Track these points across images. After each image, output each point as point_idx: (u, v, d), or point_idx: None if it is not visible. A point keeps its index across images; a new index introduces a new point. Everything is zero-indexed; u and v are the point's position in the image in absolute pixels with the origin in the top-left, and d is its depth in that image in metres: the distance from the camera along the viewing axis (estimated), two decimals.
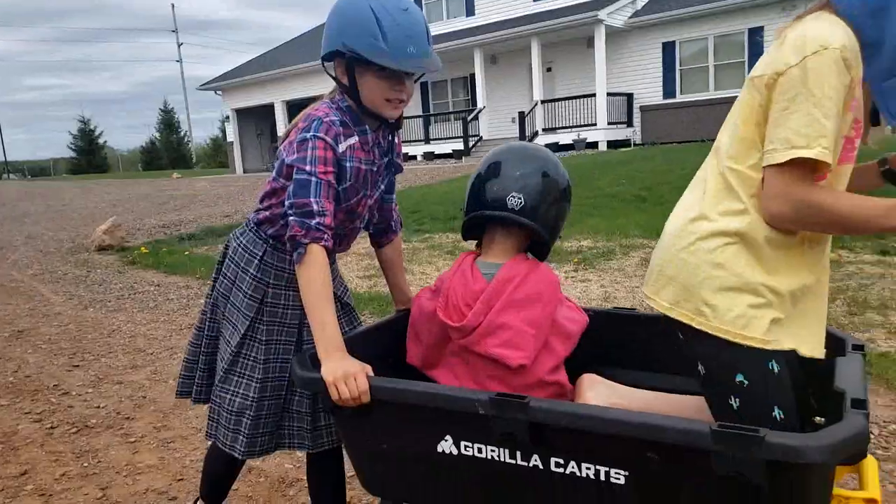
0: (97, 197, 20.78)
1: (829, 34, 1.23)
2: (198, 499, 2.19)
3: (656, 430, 1.16)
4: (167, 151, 54.33)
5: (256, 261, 1.81)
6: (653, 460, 1.20)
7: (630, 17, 19.01)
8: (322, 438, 1.87)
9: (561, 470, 1.29)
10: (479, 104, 21.19)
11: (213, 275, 1.94)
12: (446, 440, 1.41)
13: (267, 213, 1.80)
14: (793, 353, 1.36)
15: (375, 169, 1.77)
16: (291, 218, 1.55)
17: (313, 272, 1.53)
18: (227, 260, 1.89)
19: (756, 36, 17.43)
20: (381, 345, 1.86)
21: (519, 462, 1.33)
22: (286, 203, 1.59)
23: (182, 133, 56.36)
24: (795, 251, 1.36)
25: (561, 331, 1.71)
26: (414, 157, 22.26)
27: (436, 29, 23.23)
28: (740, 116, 1.37)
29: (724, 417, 1.38)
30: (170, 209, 15.07)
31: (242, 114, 28.89)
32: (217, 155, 49.60)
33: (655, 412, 1.29)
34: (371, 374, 1.47)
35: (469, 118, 20.84)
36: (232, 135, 29.36)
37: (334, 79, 1.70)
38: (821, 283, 1.42)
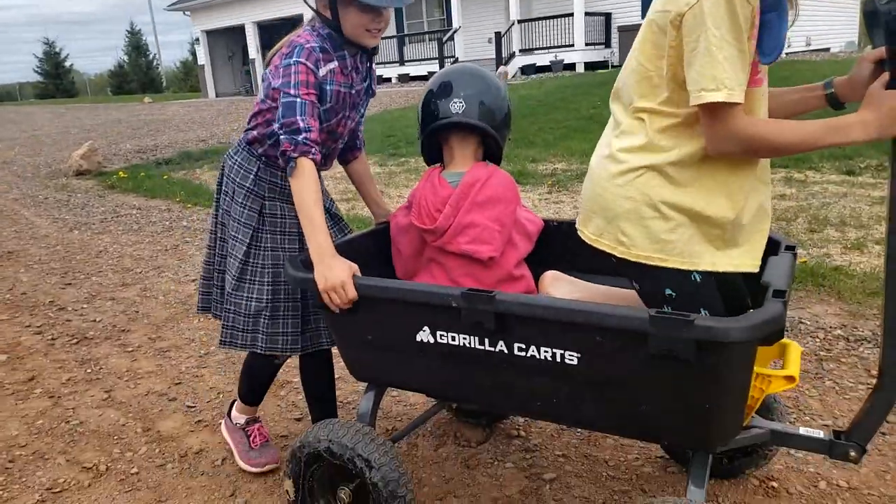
0: (69, 122, 20.34)
1: None
2: (233, 401, 2.41)
3: (603, 317, 1.36)
4: (136, 75, 52.58)
5: (252, 176, 1.96)
6: (600, 343, 1.40)
7: None
8: (321, 338, 2.08)
9: (523, 353, 1.50)
10: (455, 24, 20.73)
11: (215, 195, 2.10)
12: (424, 331, 1.61)
13: (255, 132, 1.95)
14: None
15: (354, 92, 1.92)
16: (282, 136, 1.71)
17: (304, 182, 1.69)
18: (224, 178, 2.04)
19: None
20: (365, 252, 2.03)
21: (487, 348, 1.54)
22: (276, 125, 1.74)
23: (151, 56, 54.44)
24: (706, 177, 1.45)
25: (522, 229, 1.93)
26: (389, 80, 21.87)
27: None
28: (643, 54, 1.44)
29: None
30: (144, 134, 14.86)
31: (213, 35, 27.93)
32: (188, 79, 48.18)
33: (613, 303, 1.48)
34: (358, 273, 1.66)
35: (444, 39, 20.42)
36: (203, 57, 28.48)
37: (315, 11, 1.84)
38: (750, 202, 1.49)
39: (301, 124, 1.69)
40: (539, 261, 2.05)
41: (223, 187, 2.04)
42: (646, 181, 1.46)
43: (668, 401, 1.39)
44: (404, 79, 21.63)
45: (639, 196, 1.47)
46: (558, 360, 1.46)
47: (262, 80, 1.89)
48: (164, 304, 4.14)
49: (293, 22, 24.45)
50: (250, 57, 26.12)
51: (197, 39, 28.55)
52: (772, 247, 1.69)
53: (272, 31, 25.71)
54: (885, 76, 1.31)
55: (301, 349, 2.04)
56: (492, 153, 1.99)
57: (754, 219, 1.51)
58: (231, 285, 2.01)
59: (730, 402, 1.38)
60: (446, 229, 1.82)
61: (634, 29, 18.72)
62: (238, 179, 1.98)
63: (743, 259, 1.49)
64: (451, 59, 20.63)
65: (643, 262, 1.49)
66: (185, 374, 3.14)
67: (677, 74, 1.39)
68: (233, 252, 2.01)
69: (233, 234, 2.00)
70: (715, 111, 1.33)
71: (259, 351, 2.00)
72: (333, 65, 1.82)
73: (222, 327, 2.05)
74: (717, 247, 1.48)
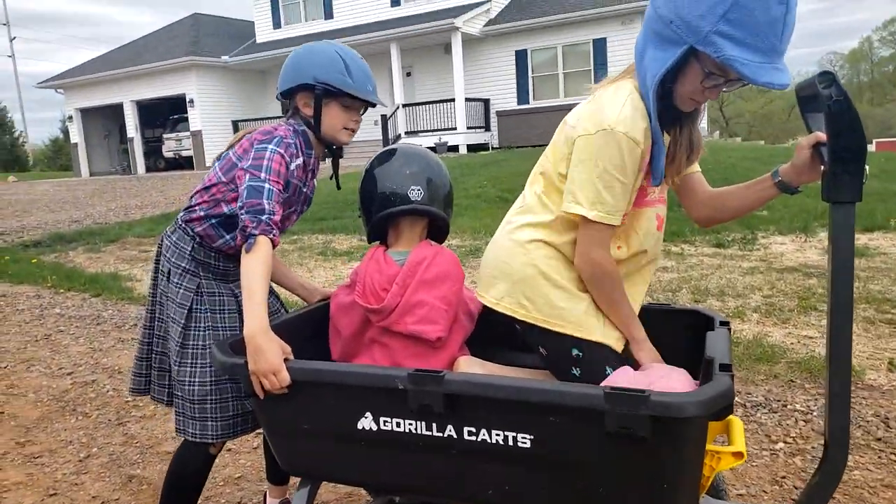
0: None
1: (619, 116, 1.45)
2: None
3: (558, 396, 1.32)
4: None
5: (187, 255, 1.93)
6: (554, 423, 1.34)
7: (485, 26, 19.73)
8: None
9: (473, 437, 1.42)
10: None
11: (152, 274, 2.05)
12: (366, 417, 1.50)
13: (197, 212, 1.92)
14: None
15: (306, 190, 1.98)
16: (244, 215, 1.70)
17: (259, 259, 1.66)
18: (161, 258, 1.99)
19: (600, 46, 18.70)
20: (303, 333, 1.93)
21: (434, 433, 1.44)
22: (237, 204, 1.74)
23: (17, 133, 51.19)
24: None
25: (466, 308, 1.91)
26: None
27: (294, 31, 22.86)
28: (553, 152, 1.62)
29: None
30: (8, 215, 13.73)
31: (88, 113, 26.66)
32: (58, 157, 45.63)
33: None
34: (290, 355, 1.58)
35: None
36: (76, 135, 27.05)
37: (293, 109, 1.94)
38: (633, 278, 1.70)
39: (266, 206, 1.72)
40: (477, 342, 2.00)
41: (160, 266, 2.01)
42: (546, 253, 1.62)
43: (625, 482, 1.35)
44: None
45: (539, 264, 1.61)
46: (510, 443, 1.39)
47: (219, 160, 1.93)
48: (33, 402, 3.70)
49: (174, 101, 24.17)
50: (129, 136, 25.14)
51: (70, 117, 27.12)
52: (706, 322, 1.74)
53: (152, 111, 25.04)
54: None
55: (253, 427, 1.96)
56: (437, 232, 2.00)
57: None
58: (175, 372, 1.93)
59: (686, 481, 1.36)
60: (393, 308, 1.76)
61: (511, 114, 19.87)
62: (174, 259, 1.95)
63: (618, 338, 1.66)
64: None
65: (541, 325, 1.61)
66: (61, 483, 2.77)
67: None
68: (172, 335, 1.94)
69: (171, 315, 1.94)
70: (593, 230, 1.53)
71: (210, 440, 1.88)
72: (300, 161, 1.89)
73: (175, 414, 1.95)
74: (604, 323, 1.63)
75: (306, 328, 1.98)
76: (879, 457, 2.67)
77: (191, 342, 1.91)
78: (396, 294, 1.77)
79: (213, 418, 1.89)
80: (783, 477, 2.57)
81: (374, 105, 1.94)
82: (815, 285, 5.11)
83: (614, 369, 1.58)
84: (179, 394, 1.92)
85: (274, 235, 1.72)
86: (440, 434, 1.44)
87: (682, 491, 1.36)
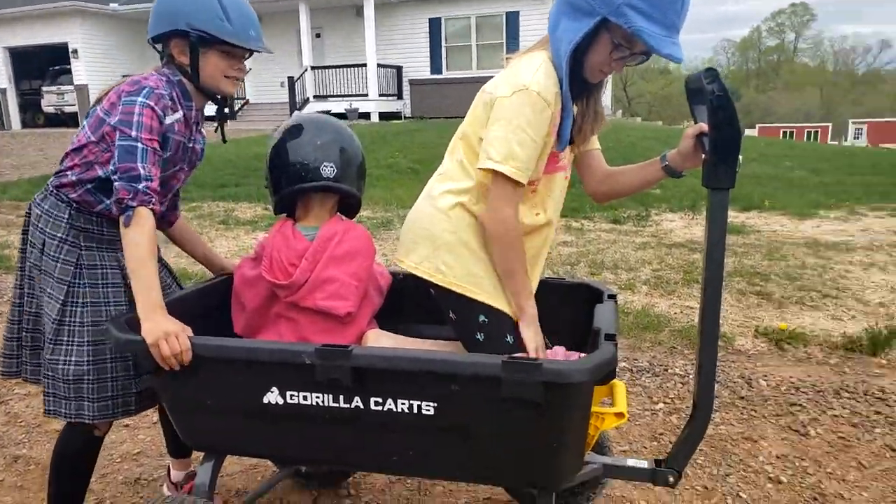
0: None
1: (533, 78, 1.54)
2: None
3: (459, 366, 1.42)
4: None
5: (64, 224, 1.77)
6: (456, 391, 1.44)
7: None
8: None
9: (380, 408, 1.49)
10: (245, 66, 20.29)
11: (21, 245, 1.86)
12: (272, 391, 1.53)
13: (70, 176, 1.76)
14: None
15: (191, 145, 1.85)
16: (118, 182, 1.58)
17: (140, 234, 1.58)
18: (31, 228, 1.81)
19: (513, 19, 18.87)
20: (202, 308, 1.90)
21: (342, 405, 1.51)
22: (110, 167, 1.61)
23: None
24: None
25: (375, 284, 1.94)
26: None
27: None
28: (472, 118, 1.67)
29: (473, 348, 1.72)
30: None
31: None
32: None
33: None
34: (191, 334, 1.55)
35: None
36: None
37: (167, 57, 1.78)
38: (539, 250, 1.79)
39: (141, 171, 1.60)
40: (386, 315, 2.05)
41: (30, 238, 1.82)
42: (468, 221, 1.68)
43: (521, 443, 1.47)
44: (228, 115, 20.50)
45: (458, 230, 1.68)
46: (415, 411, 1.48)
47: (88, 116, 1.76)
48: None
49: (54, 50, 22.19)
50: (1, 86, 23.06)
51: None
52: (596, 295, 1.88)
53: (28, 60, 22.92)
54: None
55: (137, 410, 1.84)
56: (348, 206, 1.99)
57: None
58: (47, 349, 1.78)
59: (574, 440, 1.50)
60: (302, 284, 1.77)
61: (424, 83, 19.75)
62: (48, 229, 1.77)
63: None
64: (241, 101, 20.08)
65: (456, 290, 1.68)
66: None
67: None
68: (47, 311, 1.79)
69: (47, 290, 1.78)
70: (505, 187, 1.58)
71: (87, 420, 1.77)
72: (179, 115, 1.76)
73: (44, 394, 1.81)
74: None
75: (205, 304, 1.94)
76: (742, 413, 2.98)
77: (68, 318, 1.77)
78: (306, 270, 1.77)
79: (89, 399, 1.76)
80: (661, 434, 2.82)
81: (258, 51, 1.81)
82: (698, 260, 5.49)
83: (514, 338, 1.68)
84: (51, 373, 1.78)
85: (153, 204, 1.61)
86: (347, 406, 1.50)
87: (569, 449, 1.50)
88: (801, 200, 8.31)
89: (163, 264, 1.99)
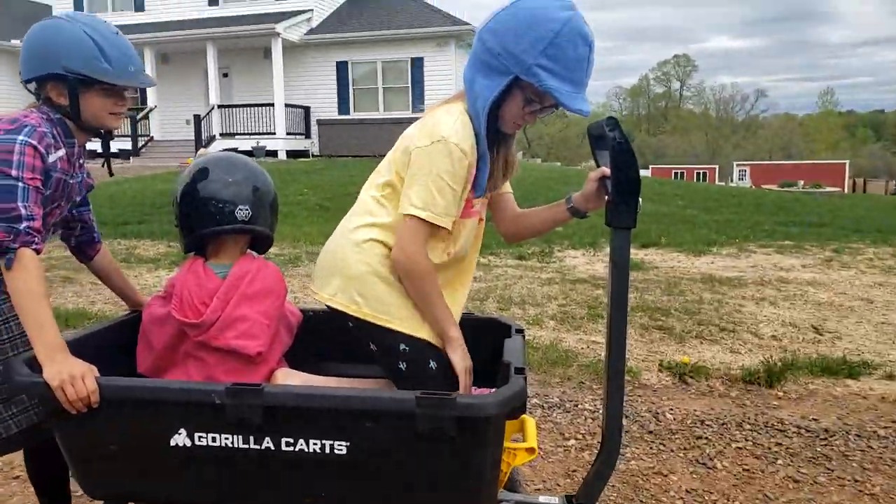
0: None
1: (452, 130, 1.61)
2: None
3: (373, 402, 1.42)
4: None
5: None
6: (370, 428, 1.43)
7: (306, 34, 19.57)
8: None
9: (291, 448, 1.46)
10: (150, 103, 19.74)
11: None
12: (180, 433, 1.48)
13: None
14: None
15: (71, 181, 1.80)
16: None
17: (26, 276, 1.51)
18: None
19: (418, 64, 19.32)
20: (108, 346, 1.83)
21: (252, 446, 1.47)
22: None
23: None
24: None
25: (286, 322, 1.92)
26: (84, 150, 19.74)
27: None
28: (394, 159, 1.72)
29: (396, 379, 1.73)
30: None
31: None
32: None
33: None
34: (97, 374, 1.49)
35: (138, 117, 19.28)
36: None
37: (44, 98, 1.72)
38: (452, 282, 1.82)
39: (23, 211, 1.54)
40: (303, 355, 2.02)
41: None
42: (381, 252, 1.70)
43: (435, 479, 1.47)
44: (91, 155, 19.58)
45: (373, 262, 1.69)
46: (327, 451, 1.45)
47: None
48: None
49: None
50: None
51: None
52: (504, 330, 1.92)
53: None
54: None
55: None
56: (259, 242, 1.97)
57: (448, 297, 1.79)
58: None
59: (488, 475, 1.51)
60: (213, 323, 1.73)
61: (332, 123, 19.84)
62: None
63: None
64: (146, 138, 19.48)
65: (372, 320, 1.69)
66: None
67: None
68: None
69: None
70: (416, 227, 1.62)
71: None
72: (62, 153, 1.71)
73: None
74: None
75: (113, 341, 1.88)
76: (651, 447, 3.06)
77: None
78: (217, 308, 1.74)
79: None
80: (574, 470, 2.86)
81: (140, 86, 1.77)
82: (601, 295, 5.70)
83: (438, 364, 1.70)
84: None
85: (37, 245, 1.56)
86: (257, 447, 1.46)
87: (484, 485, 1.50)
88: (694, 237, 8.83)
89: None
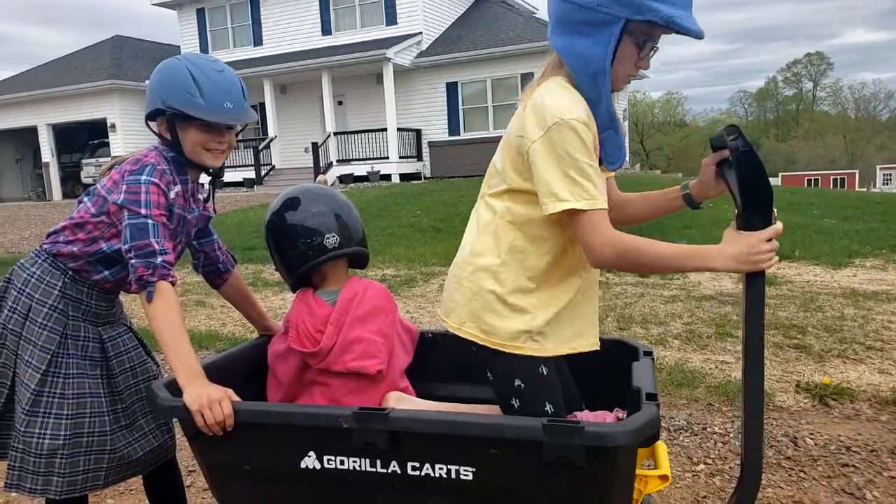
0: None
1: (562, 106, 1.46)
2: None
3: (499, 429, 1.38)
4: None
5: (56, 292, 1.77)
6: (496, 455, 1.40)
7: (416, 57, 20.04)
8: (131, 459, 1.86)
9: (417, 472, 1.46)
10: (271, 133, 20.90)
11: None
12: (310, 456, 1.51)
13: (70, 247, 1.78)
14: (559, 357, 1.65)
15: (189, 217, 1.89)
16: (134, 260, 1.61)
17: (166, 309, 1.60)
18: (14, 293, 1.79)
19: (528, 80, 19.25)
20: (242, 370, 1.91)
21: (378, 470, 1.47)
22: (124, 247, 1.63)
23: None
24: (550, 279, 1.62)
25: (401, 339, 1.95)
26: (201, 185, 21.23)
27: (221, 58, 22.28)
28: (506, 165, 1.60)
29: (509, 414, 1.64)
30: None
31: None
32: None
33: None
34: (234, 397, 1.55)
35: (260, 147, 20.45)
36: None
37: (158, 135, 1.81)
38: (583, 296, 1.67)
39: (157, 246, 1.63)
40: (414, 372, 2.03)
41: (11, 303, 1.78)
42: (505, 279, 1.59)
43: None
44: (220, 184, 21.06)
45: (499, 290, 1.59)
46: (453, 476, 1.44)
47: (88, 195, 1.80)
48: None
49: (93, 126, 23.25)
50: (43, 160, 24.00)
51: None
52: (631, 352, 1.84)
53: (69, 135, 24.05)
54: (734, 222, 1.51)
55: (105, 485, 1.80)
56: (357, 260, 2.01)
57: (583, 307, 1.68)
58: (20, 420, 1.73)
59: None
60: (331, 349, 1.78)
61: (443, 144, 20.15)
62: (37, 295, 1.76)
63: (580, 343, 1.66)
64: (268, 167, 20.60)
65: (499, 349, 1.60)
66: None
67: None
68: (23, 379, 1.74)
69: (25, 357, 1.74)
70: (583, 221, 1.47)
71: (52, 496, 1.72)
72: (178, 188, 1.79)
73: (8, 468, 1.74)
74: (560, 336, 1.63)
75: (240, 369, 1.94)
76: (789, 474, 2.84)
77: (48, 389, 1.72)
78: (332, 334, 1.78)
79: (59, 474, 1.71)
80: (704, 497, 2.70)
81: (238, 123, 1.78)
82: (729, 312, 5.38)
83: (552, 406, 1.60)
84: (21, 447, 1.72)
85: (172, 278, 1.64)
86: (384, 470, 1.47)
87: None
88: (833, 249, 8.18)
89: (127, 327, 1.98)
